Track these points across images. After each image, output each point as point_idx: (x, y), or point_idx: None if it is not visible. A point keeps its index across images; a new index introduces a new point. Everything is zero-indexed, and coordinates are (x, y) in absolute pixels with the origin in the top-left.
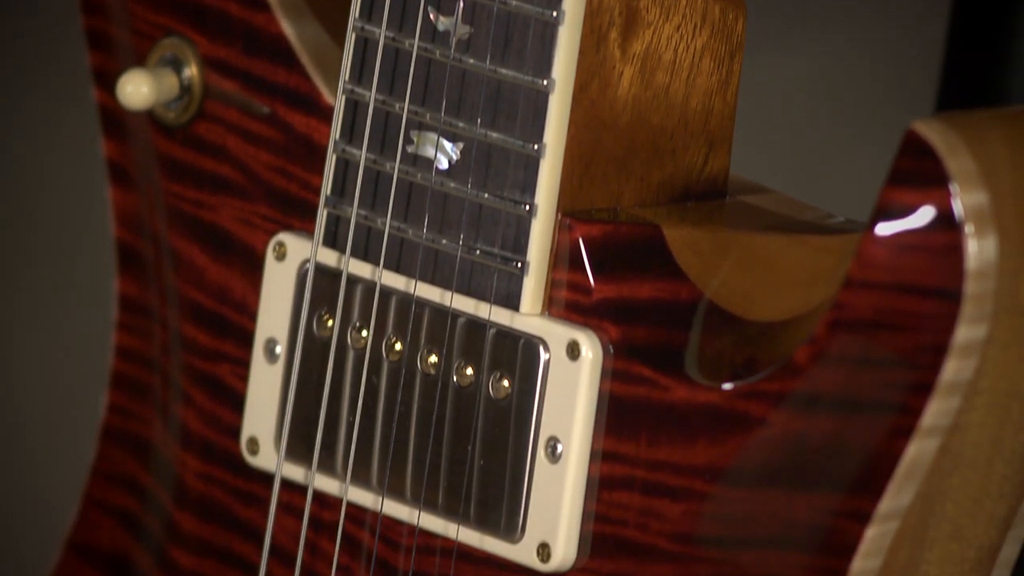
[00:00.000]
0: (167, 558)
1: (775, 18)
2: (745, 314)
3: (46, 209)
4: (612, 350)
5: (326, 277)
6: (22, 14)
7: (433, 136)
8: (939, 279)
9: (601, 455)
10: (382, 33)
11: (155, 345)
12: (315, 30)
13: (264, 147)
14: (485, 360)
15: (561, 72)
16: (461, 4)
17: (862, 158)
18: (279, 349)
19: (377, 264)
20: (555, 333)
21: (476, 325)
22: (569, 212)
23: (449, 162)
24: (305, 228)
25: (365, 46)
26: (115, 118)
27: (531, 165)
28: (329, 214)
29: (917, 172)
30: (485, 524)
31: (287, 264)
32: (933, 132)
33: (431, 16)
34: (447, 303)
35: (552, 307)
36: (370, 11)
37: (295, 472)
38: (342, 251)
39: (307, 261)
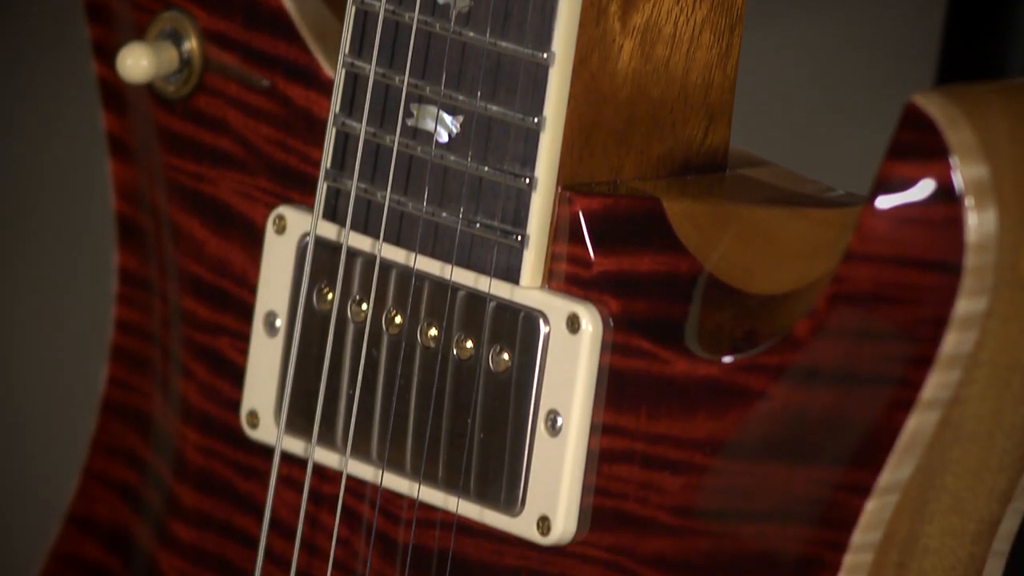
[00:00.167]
0: (167, 531)
1: None
2: (745, 287)
3: (46, 183)
4: (612, 323)
5: (326, 250)
6: None
7: (433, 109)
8: (939, 252)
9: (601, 428)
10: (382, 6)
11: (155, 318)
12: (315, 3)
13: (264, 120)
14: (485, 333)
15: (561, 45)
16: None
17: (862, 131)
18: (279, 322)
19: (377, 237)
20: (555, 306)
21: (476, 298)
22: (569, 185)
23: (449, 135)
24: (305, 201)
25: (365, 19)
26: (115, 91)
27: (531, 138)
28: (329, 187)
29: (917, 145)
30: (485, 497)
31: (287, 237)
32: (933, 105)
33: None
34: (447, 276)
35: (552, 280)
36: None
37: (295, 445)
38: (342, 224)
39: (307, 234)
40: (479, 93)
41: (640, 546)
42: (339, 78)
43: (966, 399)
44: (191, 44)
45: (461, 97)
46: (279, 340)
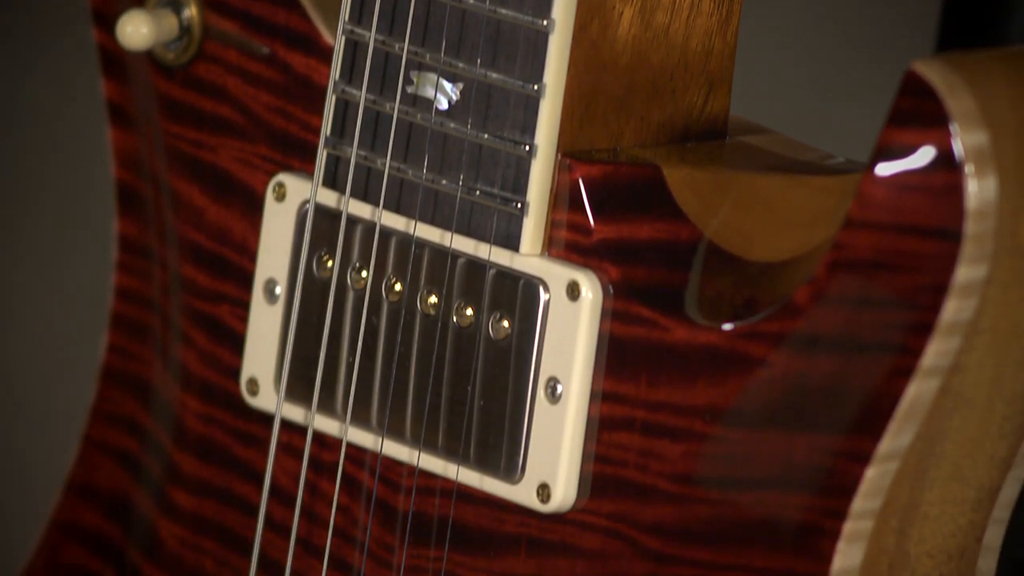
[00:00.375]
0: (167, 498)
1: None
2: (745, 254)
3: (46, 149)
4: (612, 290)
5: (326, 218)
6: None
7: (433, 76)
8: (939, 219)
9: (601, 396)
10: None
11: (155, 286)
12: None
13: (264, 88)
14: (485, 301)
15: (561, 12)
16: None
17: (862, 98)
18: (279, 290)
19: (377, 204)
20: (555, 273)
21: (476, 266)
22: (569, 152)
23: (449, 102)
24: (305, 169)
25: None
26: (115, 58)
27: (531, 105)
28: (329, 155)
29: (917, 112)
30: (485, 465)
31: (287, 205)
32: (933, 72)
33: None
34: (447, 244)
35: (552, 247)
36: None
37: (295, 413)
38: (342, 191)
39: (307, 202)
40: (479, 60)
41: (640, 513)
42: (339, 45)
43: (966, 366)
44: (191, 11)
45: (461, 64)
46: (279, 307)
